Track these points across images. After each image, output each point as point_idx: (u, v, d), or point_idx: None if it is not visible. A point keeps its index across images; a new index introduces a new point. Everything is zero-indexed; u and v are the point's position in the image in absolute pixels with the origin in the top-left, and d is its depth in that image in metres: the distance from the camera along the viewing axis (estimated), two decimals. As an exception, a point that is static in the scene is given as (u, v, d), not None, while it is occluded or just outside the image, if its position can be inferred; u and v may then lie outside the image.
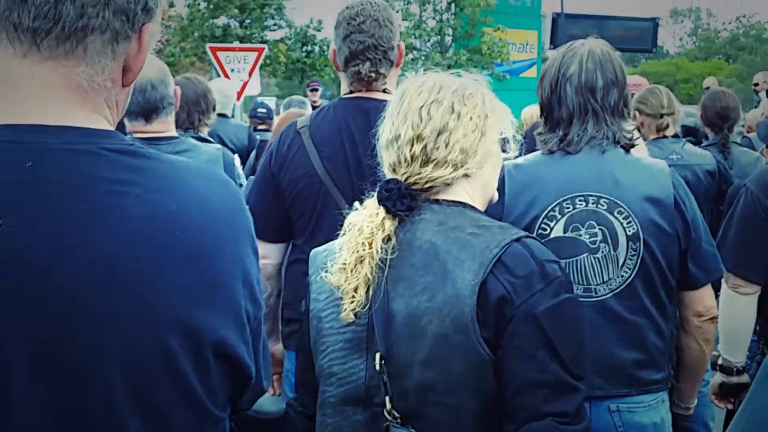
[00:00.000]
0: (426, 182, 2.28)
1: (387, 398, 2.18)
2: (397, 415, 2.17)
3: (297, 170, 3.53)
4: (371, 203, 2.30)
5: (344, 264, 2.25)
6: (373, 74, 3.52)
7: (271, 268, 3.68)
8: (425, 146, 2.26)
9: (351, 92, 3.61)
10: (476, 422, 2.15)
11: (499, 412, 2.13)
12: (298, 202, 3.57)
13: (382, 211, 2.26)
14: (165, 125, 4.01)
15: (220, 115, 7.00)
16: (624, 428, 3.03)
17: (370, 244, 2.23)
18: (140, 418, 1.41)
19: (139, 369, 1.39)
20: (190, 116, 5.38)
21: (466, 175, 2.31)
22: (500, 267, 2.12)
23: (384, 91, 3.58)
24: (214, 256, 1.48)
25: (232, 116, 8.55)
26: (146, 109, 3.89)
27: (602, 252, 3.04)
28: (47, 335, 1.32)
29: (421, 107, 2.29)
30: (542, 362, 2.10)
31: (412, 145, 2.27)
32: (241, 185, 5.44)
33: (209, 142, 5.31)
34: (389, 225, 2.25)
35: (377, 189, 2.30)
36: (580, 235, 3.05)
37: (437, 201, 2.29)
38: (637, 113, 5.63)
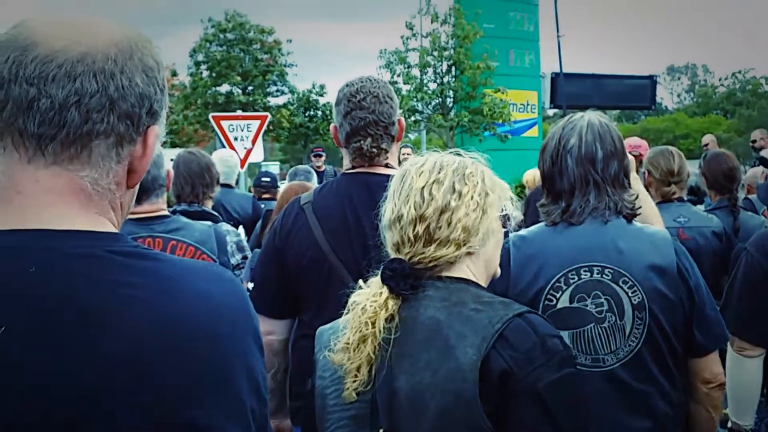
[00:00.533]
0: (430, 261, 2.31)
1: None
2: None
3: (301, 246, 3.54)
4: (375, 282, 2.33)
5: (347, 343, 2.27)
6: (374, 150, 3.55)
7: (277, 344, 3.67)
8: (428, 226, 2.29)
9: (353, 167, 3.63)
10: None
11: None
12: (303, 278, 3.57)
13: (385, 291, 2.28)
14: (156, 206, 4.04)
15: (224, 185, 7.04)
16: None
17: (373, 323, 2.25)
18: None
19: None
20: (194, 189, 5.43)
21: (469, 253, 2.33)
22: (502, 342, 2.13)
23: (386, 165, 3.60)
24: (219, 357, 1.46)
25: (237, 184, 8.57)
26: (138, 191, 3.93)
27: (609, 322, 3.05)
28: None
29: (423, 187, 2.32)
30: None
31: (415, 225, 2.30)
32: (245, 257, 5.47)
33: (213, 215, 5.36)
34: (392, 304, 2.27)
35: (381, 268, 2.33)
36: (587, 306, 3.06)
37: (440, 278, 2.31)
38: (646, 173, 5.65)
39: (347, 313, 2.34)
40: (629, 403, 3.06)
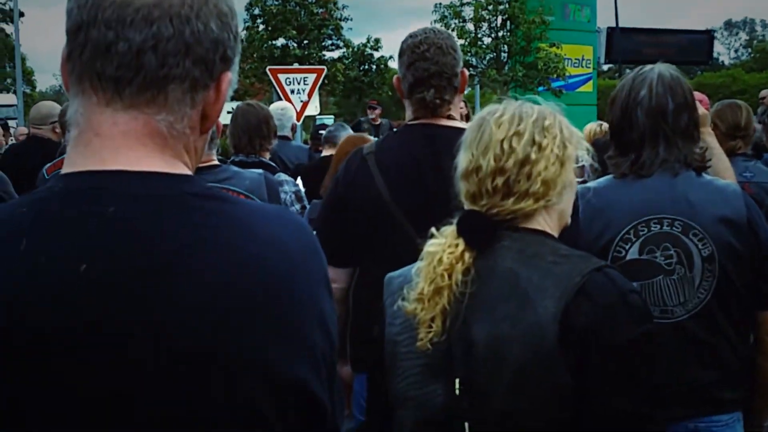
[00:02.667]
0: (507, 214, 2.27)
1: (466, 424, 2.19)
2: None
3: (363, 195, 3.56)
4: (450, 232, 2.30)
5: (421, 294, 2.25)
6: (437, 101, 3.53)
7: (339, 292, 3.67)
8: (507, 179, 2.25)
9: (416, 118, 3.62)
10: None
11: None
12: (364, 227, 3.59)
13: (461, 243, 2.26)
14: (205, 156, 4.03)
15: (280, 137, 7.07)
16: (702, 447, 3.06)
17: (449, 275, 2.23)
18: None
19: (221, 411, 1.39)
20: (252, 141, 5.46)
21: (545, 206, 2.30)
22: (582, 296, 2.11)
23: (448, 117, 3.59)
24: (291, 301, 1.48)
25: (293, 136, 8.60)
26: None
27: (678, 274, 3.06)
28: (129, 371, 1.33)
29: (503, 140, 2.27)
30: (626, 393, 2.12)
31: (494, 178, 2.26)
32: (303, 207, 5.50)
33: (270, 165, 5.38)
34: (468, 257, 2.24)
35: (456, 219, 2.31)
36: (656, 258, 3.07)
37: (516, 228, 2.29)
38: (711, 126, 5.59)
39: (420, 261, 2.32)
40: (697, 354, 3.07)
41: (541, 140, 2.28)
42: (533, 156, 2.26)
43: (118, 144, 1.43)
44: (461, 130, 3.48)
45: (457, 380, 2.20)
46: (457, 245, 2.26)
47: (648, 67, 3.30)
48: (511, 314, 2.15)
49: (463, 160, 2.36)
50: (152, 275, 1.35)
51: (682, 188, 3.12)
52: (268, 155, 5.60)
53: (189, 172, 1.52)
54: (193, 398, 1.36)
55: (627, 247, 3.10)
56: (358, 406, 3.73)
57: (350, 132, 7.71)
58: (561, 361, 2.08)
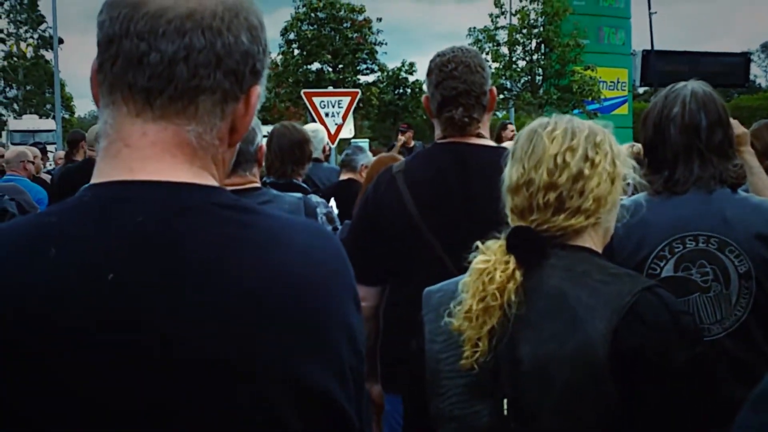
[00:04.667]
0: (557, 230, 2.24)
1: None
2: None
3: (392, 214, 3.55)
4: (498, 249, 2.25)
5: (469, 311, 2.21)
6: (466, 119, 3.53)
7: (368, 310, 3.64)
8: (560, 194, 2.22)
9: (444, 137, 3.62)
10: None
11: None
12: (393, 245, 3.57)
13: (513, 261, 2.22)
14: (245, 178, 4.00)
15: (313, 159, 7.08)
16: (739, 467, 3.01)
17: (501, 294, 2.18)
18: None
19: (246, 419, 1.38)
20: (283, 164, 5.44)
21: (594, 223, 2.27)
22: (633, 316, 2.08)
23: (478, 135, 3.59)
24: (319, 312, 1.48)
25: (327, 159, 8.59)
26: None
27: (714, 291, 3.03)
28: (155, 387, 1.33)
29: (556, 154, 2.24)
30: (677, 416, 2.09)
31: (546, 193, 2.23)
32: (335, 229, 5.51)
33: (301, 187, 5.37)
34: (519, 275, 2.20)
35: (505, 235, 2.27)
36: (692, 275, 3.04)
37: (563, 246, 2.25)
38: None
39: (469, 276, 2.28)
40: (734, 372, 3.02)
41: (593, 156, 2.25)
42: (586, 172, 2.23)
43: (147, 154, 1.44)
44: (490, 148, 3.51)
45: (504, 400, 2.17)
46: (507, 262, 2.22)
47: (681, 84, 3.28)
48: (559, 333, 2.13)
49: (513, 174, 2.33)
50: (179, 286, 1.35)
51: (718, 205, 3.09)
52: (300, 179, 5.59)
53: (216, 184, 1.52)
54: (218, 406, 1.36)
55: (662, 264, 3.07)
56: (389, 427, 3.71)
57: (369, 155, 7.68)
58: (611, 381, 2.06)
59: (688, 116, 3.15)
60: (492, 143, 3.64)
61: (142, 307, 1.33)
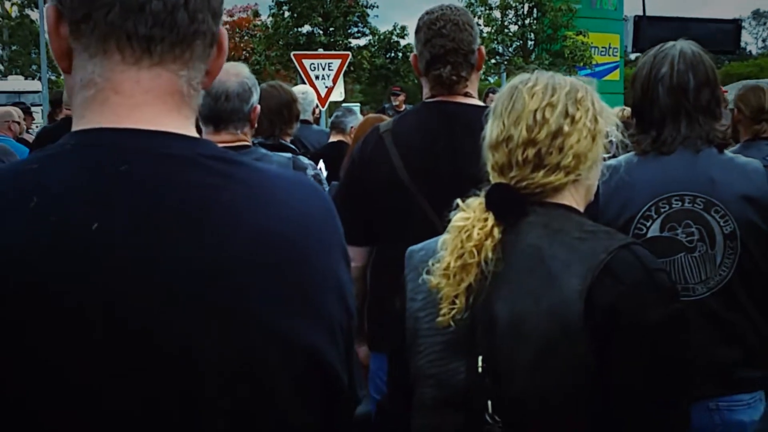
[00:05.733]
0: (536, 187, 2.22)
1: (489, 402, 2.15)
2: (498, 419, 2.14)
3: (380, 173, 3.55)
4: (477, 206, 2.24)
5: (447, 268, 2.20)
6: (454, 77, 3.52)
7: (356, 271, 3.62)
8: (539, 151, 2.20)
9: (432, 96, 3.62)
10: (580, 429, 2.12)
11: (601, 422, 2.10)
12: (381, 205, 3.58)
13: (491, 218, 2.20)
14: (235, 136, 3.97)
15: (302, 121, 7.04)
16: (723, 427, 3.02)
17: (478, 251, 2.17)
18: (231, 425, 1.39)
19: (230, 375, 1.37)
20: (272, 125, 5.40)
21: (574, 180, 2.25)
22: (608, 274, 2.06)
23: (465, 94, 3.58)
24: (305, 264, 1.47)
25: (316, 122, 8.56)
26: (215, 118, 3.84)
27: (699, 251, 3.03)
28: (140, 339, 1.31)
29: (536, 110, 2.22)
30: (652, 374, 2.08)
31: (525, 149, 2.21)
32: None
33: (290, 148, 5.36)
34: (497, 232, 2.19)
35: (484, 192, 2.26)
36: (677, 235, 3.05)
37: (541, 203, 2.24)
38: (735, 111, 5.55)
39: (447, 234, 2.27)
40: (719, 333, 3.04)
41: (574, 113, 2.23)
42: (566, 128, 2.21)
43: (138, 102, 1.43)
44: (478, 108, 3.51)
45: (479, 358, 2.16)
46: (486, 219, 2.21)
47: (670, 44, 3.28)
48: (535, 290, 2.11)
49: (493, 130, 2.31)
50: (161, 235, 1.33)
51: (704, 165, 3.09)
52: (288, 138, 5.57)
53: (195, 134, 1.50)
54: (202, 360, 1.34)
55: (648, 224, 3.07)
56: (375, 386, 3.71)
57: (359, 117, 7.65)
58: (585, 339, 2.04)
59: (677, 77, 3.15)
60: (480, 103, 3.62)
61: (126, 257, 1.30)
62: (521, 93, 2.27)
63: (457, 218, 2.26)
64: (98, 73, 1.42)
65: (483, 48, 3.65)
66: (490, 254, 2.17)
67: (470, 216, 2.23)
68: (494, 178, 2.30)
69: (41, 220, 1.29)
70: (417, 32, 3.63)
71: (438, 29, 3.52)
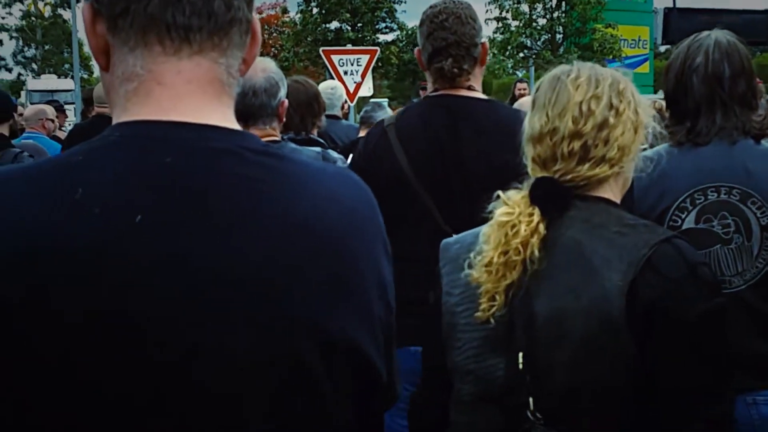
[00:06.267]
0: (581, 180, 2.20)
1: (531, 399, 2.14)
2: (539, 416, 2.13)
3: (383, 166, 3.55)
4: (521, 200, 2.22)
5: (490, 263, 2.18)
6: (455, 70, 3.52)
7: None
8: (585, 143, 2.18)
9: (435, 90, 3.62)
10: (621, 424, 2.11)
11: (644, 417, 2.09)
12: (383, 200, 3.55)
13: (537, 213, 2.18)
14: (264, 131, 3.98)
15: (330, 116, 7.03)
16: (761, 421, 2.98)
17: (524, 248, 2.15)
18: (269, 418, 1.39)
19: (270, 369, 1.37)
20: (303, 120, 5.42)
21: (617, 173, 2.24)
22: (650, 269, 2.04)
23: (468, 88, 3.59)
24: (347, 256, 1.47)
25: (347, 117, 8.56)
26: (243, 114, 3.86)
27: (736, 243, 2.99)
28: (181, 330, 1.31)
29: (581, 102, 2.20)
30: (695, 368, 2.07)
31: (571, 141, 2.18)
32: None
33: (319, 142, 5.35)
34: (543, 228, 2.17)
35: (529, 186, 2.24)
36: (713, 227, 3.01)
37: (582, 197, 2.21)
38: None
39: (486, 227, 2.25)
40: (755, 325, 3.00)
41: (618, 104, 2.22)
42: (611, 120, 2.20)
43: (180, 92, 1.43)
44: (480, 101, 3.52)
45: (520, 354, 2.15)
46: (531, 214, 2.19)
47: (704, 33, 3.24)
48: (575, 286, 2.10)
49: (536, 122, 2.28)
50: (206, 229, 1.34)
51: (740, 156, 3.04)
52: (316, 132, 5.57)
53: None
54: (243, 354, 1.35)
55: (683, 215, 3.03)
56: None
57: (388, 111, 7.66)
58: (627, 334, 2.03)
59: (711, 66, 3.11)
60: (482, 96, 3.63)
61: (170, 251, 1.31)
62: (565, 84, 2.25)
63: (501, 212, 2.23)
64: (140, 66, 1.43)
65: (486, 43, 3.66)
66: (536, 251, 2.15)
67: (514, 211, 2.21)
68: (535, 172, 2.28)
69: (86, 212, 1.29)
70: (420, 25, 3.64)
71: (440, 22, 3.53)
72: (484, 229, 2.27)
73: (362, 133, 7.45)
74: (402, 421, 3.31)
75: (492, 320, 2.19)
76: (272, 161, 1.45)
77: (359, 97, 16.03)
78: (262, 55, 4.25)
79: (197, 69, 1.44)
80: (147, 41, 1.42)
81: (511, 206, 2.22)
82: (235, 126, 1.48)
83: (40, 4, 57.47)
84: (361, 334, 1.47)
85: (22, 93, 41.31)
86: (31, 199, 1.31)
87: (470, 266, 2.25)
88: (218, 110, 1.46)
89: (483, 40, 3.62)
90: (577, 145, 2.18)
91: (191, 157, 1.37)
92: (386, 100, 30.18)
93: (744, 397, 2.98)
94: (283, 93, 4.07)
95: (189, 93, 1.44)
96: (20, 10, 60.81)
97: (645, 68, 33.25)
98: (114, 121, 1.45)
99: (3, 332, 1.25)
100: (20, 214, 1.29)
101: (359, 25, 36.30)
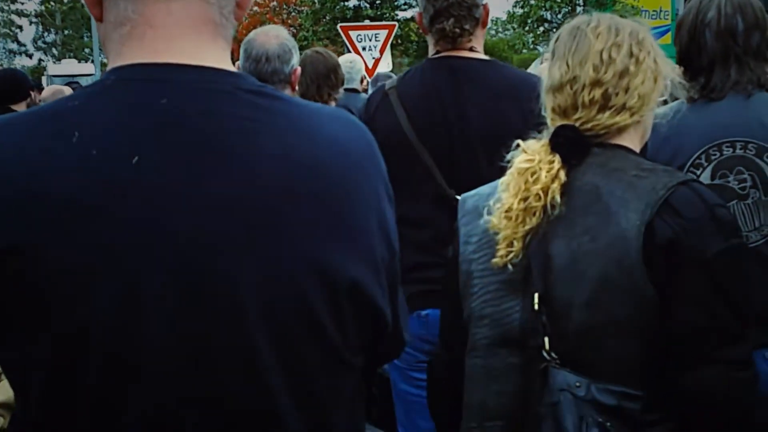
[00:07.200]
0: (601, 129, 2.21)
1: (545, 339, 2.13)
2: (555, 356, 2.12)
3: (385, 130, 3.45)
4: (541, 148, 2.22)
5: (509, 210, 2.20)
6: (457, 30, 3.49)
7: None
8: (606, 91, 2.19)
9: (437, 52, 3.60)
10: (637, 366, 2.10)
11: (661, 356, 2.08)
12: (386, 162, 3.54)
13: (558, 160, 2.18)
14: None
15: (349, 89, 7.01)
16: (778, 377, 2.96)
17: (545, 194, 2.16)
18: (276, 357, 1.40)
19: (274, 305, 1.39)
20: (320, 90, 5.42)
21: (637, 122, 2.24)
22: (668, 209, 2.04)
23: (471, 49, 3.56)
24: (347, 195, 1.48)
25: (364, 91, 8.54)
26: (256, 78, 3.90)
27: (752, 198, 2.96)
28: (185, 267, 1.33)
29: (602, 50, 2.20)
30: (713, 308, 2.05)
31: (592, 89, 2.19)
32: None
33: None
34: (563, 174, 2.17)
35: (549, 134, 2.24)
36: (729, 182, 2.98)
37: (601, 145, 2.22)
38: None
39: (507, 176, 2.25)
40: (773, 280, 2.96)
41: (638, 53, 2.22)
42: (632, 68, 2.20)
43: (173, 33, 1.44)
44: (484, 61, 3.49)
45: (536, 295, 2.15)
46: (551, 162, 2.19)
47: (716, -14, 3.18)
48: (592, 228, 2.11)
49: (555, 72, 2.28)
50: (203, 166, 1.35)
51: (756, 110, 3.01)
52: (333, 104, 5.56)
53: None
54: (245, 294, 1.36)
55: (698, 172, 3.00)
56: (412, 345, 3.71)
57: None
58: (644, 274, 2.03)
59: (724, 21, 3.08)
60: (485, 56, 3.59)
61: (168, 191, 1.33)
62: (585, 33, 2.25)
63: (520, 160, 2.24)
64: (131, 9, 1.44)
65: (488, 4, 3.62)
66: (557, 197, 2.15)
67: (534, 158, 2.21)
68: (555, 121, 2.28)
69: (83, 153, 1.31)
70: None
71: None
72: (503, 178, 2.27)
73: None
74: (411, 389, 3.30)
75: (510, 266, 2.20)
76: (269, 101, 1.45)
77: (378, 73, 15.99)
78: (282, 34, 4.24)
79: (187, 8, 1.45)
80: None
81: (530, 154, 2.23)
82: (231, 67, 1.48)
83: (59, -11, 57.72)
84: (363, 273, 1.48)
85: (43, 78, 41.47)
86: (29, 143, 1.33)
87: (489, 213, 2.26)
88: (213, 51, 1.47)
89: (485, 1, 3.58)
90: (597, 93, 2.19)
91: (187, 98, 1.39)
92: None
93: (763, 352, 2.95)
94: (296, 61, 4.08)
95: (182, 35, 1.44)
96: (39, -6, 61.05)
97: (667, 39, 32.99)
98: (109, 67, 1.46)
99: (13, 277, 1.28)
100: (19, 158, 1.31)
101: (378, 2, 36.27)
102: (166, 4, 1.43)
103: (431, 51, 3.65)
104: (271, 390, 1.41)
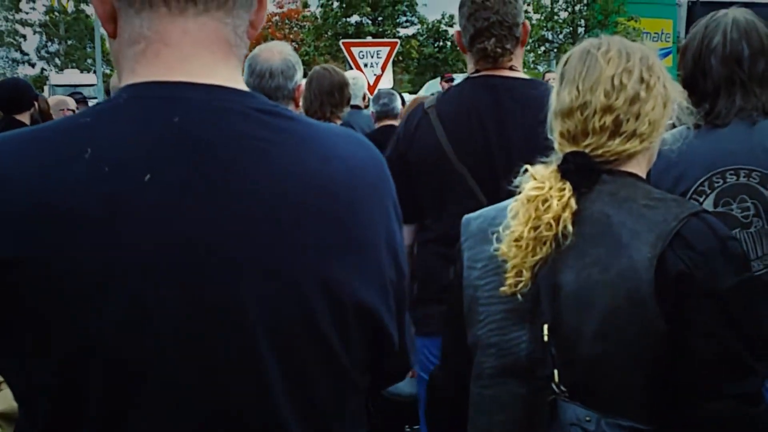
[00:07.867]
0: (611, 155, 2.18)
1: (555, 371, 2.11)
2: (564, 389, 2.10)
3: (424, 149, 3.53)
4: (551, 175, 2.20)
5: (519, 239, 2.17)
6: (499, 50, 3.50)
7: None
8: (617, 117, 2.16)
9: (477, 71, 3.59)
10: (647, 398, 2.08)
11: (671, 390, 2.06)
12: (426, 182, 3.55)
13: (569, 188, 2.16)
14: None
15: (353, 106, 7.02)
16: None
17: (556, 224, 2.13)
18: (282, 372, 1.40)
19: (281, 324, 1.39)
20: (323, 106, 5.42)
21: (647, 148, 2.22)
22: (679, 241, 2.02)
23: (510, 68, 3.56)
24: (356, 215, 1.48)
25: (367, 108, 8.57)
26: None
27: (755, 227, 2.94)
28: (191, 285, 1.33)
29: (613, 75, 2.18)
30: (725, 341, 2.02)
31: (603, 115, 2.17)
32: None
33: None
34: (574, 203, 2.14)
35: (558, 161, 2.21)
36: (732, 210, 2.95)
37: (609, 172, 2.19)
38: None
39: (513, 201, 2.24)
40: (776, 310, 2.94)
41: (648, 79, 2.20)
42: (642, 94, 2.18)
43: (188, 53, 1.45)
44: (524, 81, 3.48)
45: (545, 326, 2.12)
46: (562, 189, 2.16)
47: (722, 12, 3.18)
48: (603, 259, 2.08)
49: (565, 96, 2.25)
50: (213, 186, 1.35)
51: (760, 138, 2.98)
52: (338, 122, 5.55)
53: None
54: (254, 312, 1.37)
55: (701, 199, 2.98)
56: (421, 364, 3.67)
57: (398, 98, 7.67)
58: (655, 307, 2.01)
59: (730, 46, 3.06)
60: (526, 76, 3.58)
61: (179, 208, 1.33)
62: (596, 58, 2.23)
63: (530, 187, 2.21)
64: (146, 27, 1.45)
65: (528, 22, 3.63)
66: (569, 227, 2.13)
67: (544, 185, 2.19)
68: (563, 146, 2.26)
69: (95, 169, 1.31)
70: (461, 7, 3.61)
71: (482, 2, 3.50)
72: (511, 204, 2.25)
73: (384, 123, 7.44)
74: None
75: (519, 296, 2.17)
76: (280, 121, 1.46)
77: (380, 89, 16.03)
78: (283, 49, 4.23)
79: (203, 29, 1.46)
80: (152, 2, 1.44)
81: (540, 180, 2.21)
82: (243, 86, 1.49)
83: (63, 0, 57.82)
84: (371, 293, 1.49)
85: (45, 88, 41.60)
86: (41, 159, 1.33)
87: (498, 240, 2.23)
88: (225, 70, 1.48)
89: (523, 20, 3.59)
90: (608, 119, 2.17)
91: (199, 117, 1.39)
92: (407, 94, 30.22)
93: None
94: (299, 76, 4.10)
95: (196, 53, 1.45)
96: (44, 5, 61.18)
97: (668, 61, 33.08)
98: (122, 84, 1.46)
99: (16, 290, 1.28)
100: (31, 174, 1.31)
101: (380, 18, 36.40)
102: (183, 23, 1.44)
103: (470, 69, 3.65)
104: (276, 405, 1.41)
